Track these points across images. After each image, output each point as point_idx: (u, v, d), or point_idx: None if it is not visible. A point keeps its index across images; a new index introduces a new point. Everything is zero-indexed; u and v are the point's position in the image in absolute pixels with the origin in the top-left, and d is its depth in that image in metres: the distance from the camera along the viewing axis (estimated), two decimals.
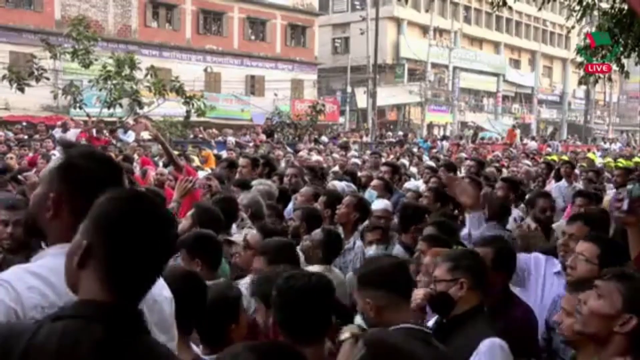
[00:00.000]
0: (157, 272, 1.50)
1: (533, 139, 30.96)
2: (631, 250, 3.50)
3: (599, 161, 16.84)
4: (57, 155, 11.04)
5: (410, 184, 6.97)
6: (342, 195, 5.32)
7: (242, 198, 5.04)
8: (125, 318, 1.40)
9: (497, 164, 11.74)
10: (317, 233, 4.02)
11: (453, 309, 2.69)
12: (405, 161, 12.37)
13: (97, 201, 1.45)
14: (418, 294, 2.78)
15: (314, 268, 3.63)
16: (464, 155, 14.95)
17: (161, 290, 1.82)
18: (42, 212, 1.70)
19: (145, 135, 14.92)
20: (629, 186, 5.58)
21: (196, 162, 11.78)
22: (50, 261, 1.62)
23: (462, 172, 8.49)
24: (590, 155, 18.50)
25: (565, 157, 14.58)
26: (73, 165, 1.72)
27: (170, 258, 2.00)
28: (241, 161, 7.14)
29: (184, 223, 4.24)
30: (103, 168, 1.73)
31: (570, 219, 3.83)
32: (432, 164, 11.40)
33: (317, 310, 2.27)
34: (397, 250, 4.46)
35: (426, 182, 7.16)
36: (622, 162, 14.75)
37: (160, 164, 10.61)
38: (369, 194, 5.90)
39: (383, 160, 11.25)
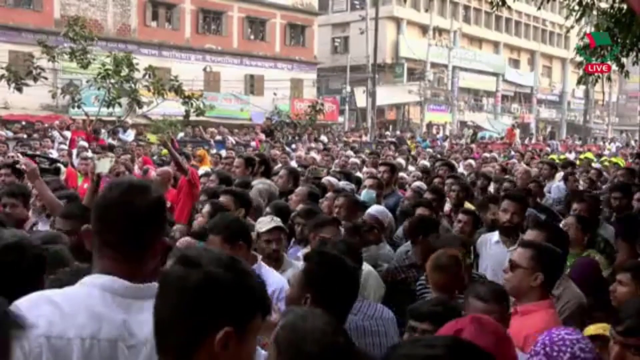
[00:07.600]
0: None
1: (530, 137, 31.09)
2: None
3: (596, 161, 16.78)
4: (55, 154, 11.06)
5: (416, 184, 7.31)
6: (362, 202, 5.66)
7: None
8: None
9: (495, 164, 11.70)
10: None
11: None
12: (402, 160, 12.34)
13: None
14: None
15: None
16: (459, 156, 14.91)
17: None
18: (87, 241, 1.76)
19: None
20: None
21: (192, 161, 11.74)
22: (75, 290, 1.61)
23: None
24: (588, 154, 18.45)
25: (564, 157, 14.56)
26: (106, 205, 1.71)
27: None
28: (235, 161, 7.15)
29: (199, 219, 4.49)
30: (143, 204, 1.69)
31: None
32: (427, 163, 11.47)
33: None
34: (386, 249, 4.75)
35: (428, 184, 7.28)
36: (619, 162, 14.71)
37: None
38: (368, 194, 5.93)
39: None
